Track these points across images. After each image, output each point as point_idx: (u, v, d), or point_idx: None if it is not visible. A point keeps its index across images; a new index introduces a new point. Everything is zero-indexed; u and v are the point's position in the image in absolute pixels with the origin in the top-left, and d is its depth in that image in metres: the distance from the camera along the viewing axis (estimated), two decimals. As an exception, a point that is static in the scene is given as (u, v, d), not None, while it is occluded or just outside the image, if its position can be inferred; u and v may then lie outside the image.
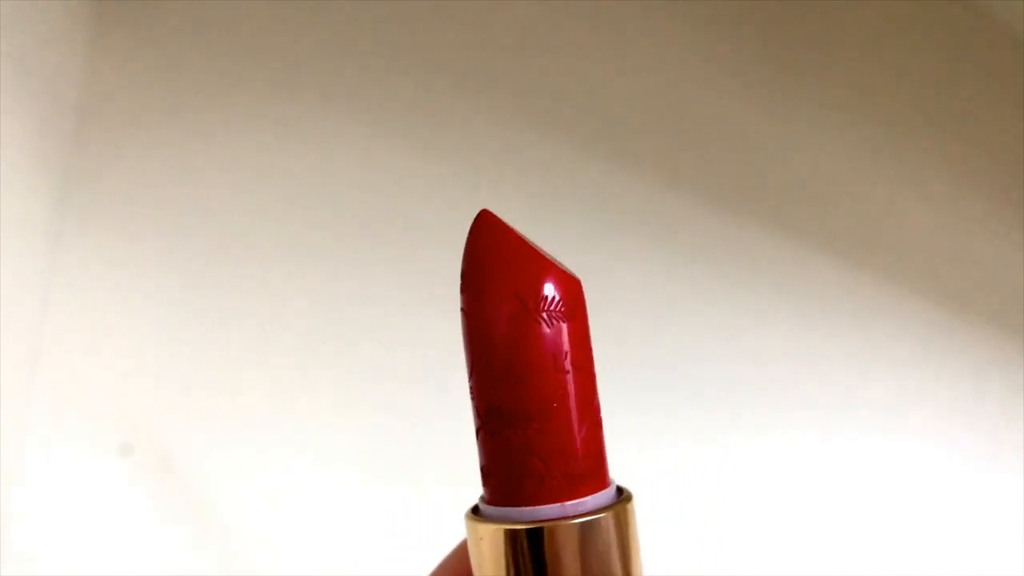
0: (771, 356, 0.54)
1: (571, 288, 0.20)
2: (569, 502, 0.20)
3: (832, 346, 0.54)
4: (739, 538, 0.51)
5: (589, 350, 0.20)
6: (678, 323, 0.54)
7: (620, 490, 0.21)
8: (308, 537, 0.48)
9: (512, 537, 0.19)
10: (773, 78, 0.58)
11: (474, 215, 0.21)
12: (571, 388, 0.20)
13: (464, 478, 0.48)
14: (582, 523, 0.19)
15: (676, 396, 0.52)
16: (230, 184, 0.53)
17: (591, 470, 0.20)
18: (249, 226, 0.52)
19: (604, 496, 0.20)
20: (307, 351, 0.51)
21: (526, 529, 0.19)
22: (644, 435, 0.51)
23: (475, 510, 0.21)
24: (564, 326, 0.20)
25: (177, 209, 0.52)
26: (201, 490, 0.48)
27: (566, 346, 0.20)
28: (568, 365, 0.20)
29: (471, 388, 0.20)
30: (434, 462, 0.49)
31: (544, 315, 0.19)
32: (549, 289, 0.20)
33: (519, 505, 0.20)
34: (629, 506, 0.20)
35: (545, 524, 0.19)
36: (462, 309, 0.20)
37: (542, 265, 0.20)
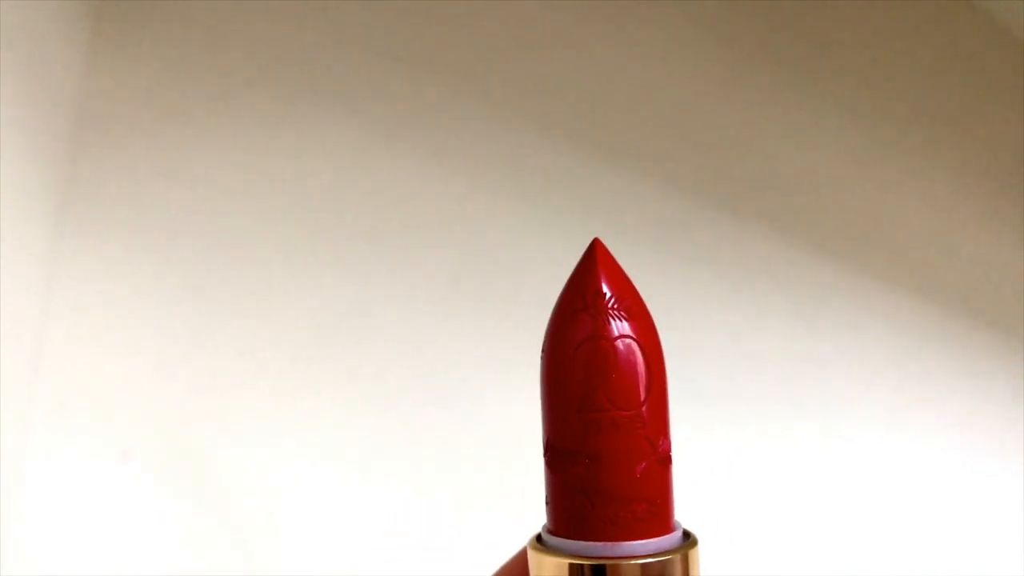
0: (770, 356, 0.53)
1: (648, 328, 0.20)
2: (636, 542, 0.19)
3: (832, 346, 0.54)
4: (738, 537, 0.50)
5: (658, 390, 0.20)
6: (677, 323, 0.53)
7: (686, 534, 0.21)
8: (310, 536, 0.48)
9: (577, 572, 0.19)
10: (772, 78, 0.58)
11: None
12: (633, 427, 0.19)
13: (464, 479, 0.48)
14: (645, 564, 0.19)
15: (675, 396, 0.51)
16: (230, 186, 0.53)
17: (655, 511, 0.20)
18: (249, 227, 0.52)
19: (670, 539, 0.20)
20: (308, 352, 0.51)
21: (591, 565, 0.19)
22: None
23: (539, 538, 0.21)
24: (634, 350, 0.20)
25: (177, 210, 0.52)
26: (201, 490, 0.48)
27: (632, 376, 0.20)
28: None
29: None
30: (435, 462, 0.49)
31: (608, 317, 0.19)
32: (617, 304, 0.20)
33: (584, 539, 0.20)
34: (694, 552, 0.20)
35: (608, 562, 0.19)
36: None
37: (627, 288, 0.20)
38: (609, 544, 0.19)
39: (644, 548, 0.19)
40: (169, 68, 0.54)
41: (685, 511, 0.50)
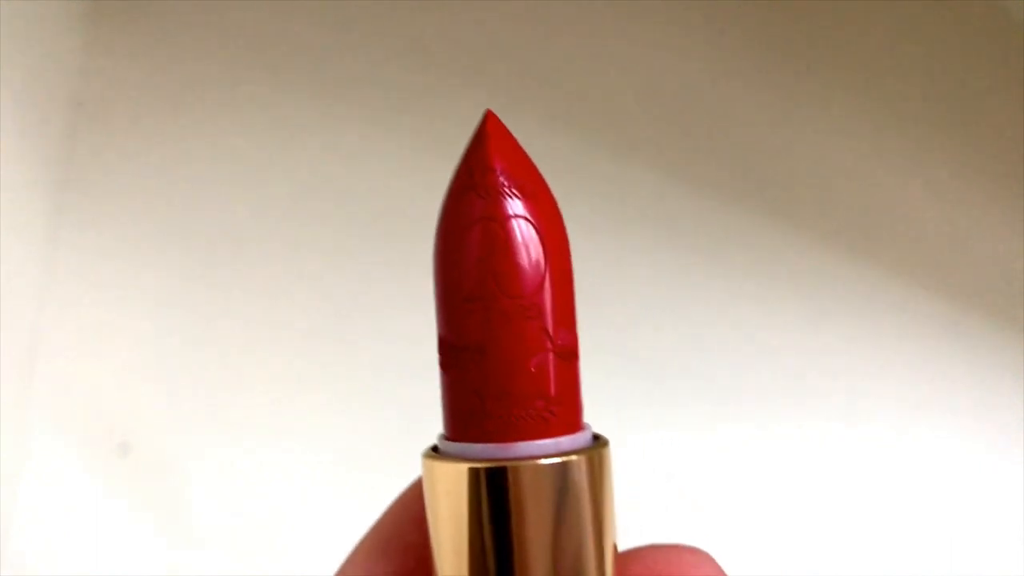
0: (777, 349, 0.53)
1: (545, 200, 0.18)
2: (533, 442, 0.18)
3: (838, 339, 0.53)
4: (746, 531, 0.49)
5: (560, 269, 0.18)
6: (683, 316, 0.53)
7: (596, 437, 0.19)
8: (310, 536, 0.47)
9: (473, 477, 0.17)
10: (777, 69, 0.57)
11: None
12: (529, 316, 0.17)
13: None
14: (548, 465, 0.17)
15: (682, 389, 0.51)
16: (229, 180, 0.52)
17: (556, 410, 0.18)
18: (249, 223, 0.52)
19: (574, 439, 0.18)
20: (308, 349, 0.50)
21: (486, 469, 0.17)
22: (649, 427, 0.50)
23: (435, 449, 0.19)
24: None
25: (176, 205, 0.52)
26: (202, 489, 0.47)
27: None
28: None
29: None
30: None
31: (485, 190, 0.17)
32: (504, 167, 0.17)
33: (481, 442, 0.18)
34: (605, 451, 0.18)
35: (510, 464, 0.17)
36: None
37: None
38: (503, 445, 0.17)
39: (542, 448, 0.17)
40: (167, 62, 0.53)
41: (692, 503, 0.49)
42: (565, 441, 0.18)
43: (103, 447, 0.47)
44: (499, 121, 0.18)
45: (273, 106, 0.53)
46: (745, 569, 0.47)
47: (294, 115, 0.53)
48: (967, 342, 0.53)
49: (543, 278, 0.17)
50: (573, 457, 0.17)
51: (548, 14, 0.56)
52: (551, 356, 0.17)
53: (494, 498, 0.17)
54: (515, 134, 0.18)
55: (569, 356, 0.18)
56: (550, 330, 0.17)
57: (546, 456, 0.17)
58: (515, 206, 0.17)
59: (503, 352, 0.17)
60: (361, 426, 0.49)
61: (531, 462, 0.17)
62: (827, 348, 0.53)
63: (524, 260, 0.17)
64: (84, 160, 0.51)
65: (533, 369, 0.17)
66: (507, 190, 0.17)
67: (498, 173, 0.17)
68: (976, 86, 0.57)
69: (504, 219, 0.17)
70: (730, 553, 0.49)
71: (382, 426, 0.49)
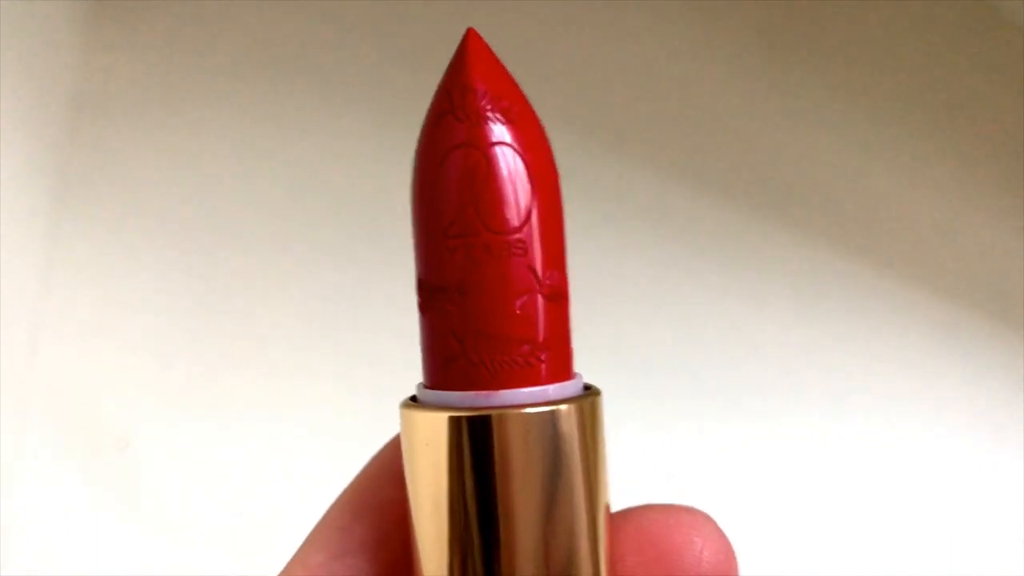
0: (772, 346, 0.53)
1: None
2: (518, 390, 0.16)
3: (833, 336, 0.53)
4: (739, 528, 0.49)
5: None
6: (679, 312, 0.53)
7: (587, 387, 0.18)
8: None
9: (454, 426, 0.16)
10: (774, 66, 0.57)
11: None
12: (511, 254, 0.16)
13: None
14: (540, 413, 0.16)
15: (676, 384, 0.51)
16: (229, 177, 0.52)
17: (544, 356, 0.16)
18: (248, 219, 0.52)
19: (563, 388, 0.17)
20: (308, 345, 0.50)
21: (468, 417, 0.16)
22: (643, 423, 0.50)
23: (413, 400, 0.17)
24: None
25: (175, 201, 0.51)
26: (202, 486, 0.47)
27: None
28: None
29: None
30: None
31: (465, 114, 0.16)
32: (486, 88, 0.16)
33: (462, 390, 0.16)
34: (597, 400, 0.17)
35: (494, 412, 0.16)
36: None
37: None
38: (485, 393, 0.16)
39: (530, 396, 0.16)
40: (167, 59, 0.53)
41: (686, 499, 0.50)
42: (553, 389, 0.16)
43: (102, 444, 0.47)
44: (482, 41, 0.17)
45: (272, 103, 0.53)
46: (745, 567, 0.47)
47: (293, 111, 0.53)
48: (963, 339, 0.53)
49: (530, 212, 0.16)
50: (563, 407, 0.16)
51: (548, 14, 0.56)
52: (539, 297, 0.16)
53: (476, 449, 0.16)
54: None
55: (558, 298, 0.16)
56: (538, 269, 0.16)
57: (532, 405, 0.16)
58: (499, 132, 0.16)
59: (485, 292, 0.16)
60: (362, 424, 0.48)
61: (516, 411, 0.16)
62: (824, 345, 0.53)
63: (509, 191, 0.16)
64: (84, 156, 0.51)
65: (518, 311, 0.16)
66: (490, 114, 0.16)
67: (480, 95, 0.16)
68: (975, 86, 0.57)
69: (486, 146, 0.16)
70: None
71: (383, 425, 0.48)
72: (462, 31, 0.17)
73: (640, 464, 0.48)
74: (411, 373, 0.48)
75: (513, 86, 0.17)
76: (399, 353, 0.48)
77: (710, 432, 0.51)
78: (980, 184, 0.56)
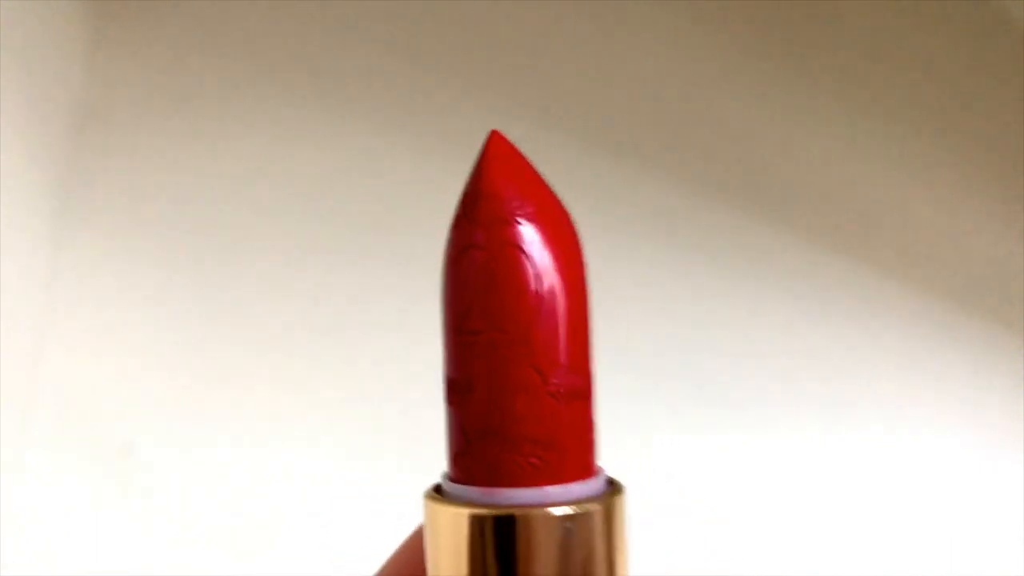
0: (772, 350, 0.52)
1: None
2: (551, 488, 0.16)
3: (834, 340, 0.53)
4: (738, 534, 0.49)
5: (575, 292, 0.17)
6: (678, 317, 0.52)
7: (611, 481, 0.17)
8: (310, 536, 0.47)
9: (477, 524, 0.16)
10: (774, 70, 0.56)
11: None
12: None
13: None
14: (564, 515, 0.16)
15: (675, 389, 0.51)
16: (233, 181, 0.52)
17: (571, 454, 0.16)
18: (252, 223, 0.52)
19: (591, 485, 0.17)
20: (309, 350, 0.50)
21: (494, 516, 0.16)
22: (641, 428, 0.49)
23: (437, 489, 0.18)
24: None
25: (178, 207, 0.52)
26: (202, 489, 0.47)
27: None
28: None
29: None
30: (439, 461, 0.46)
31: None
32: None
33: (490, 486, 0.17)
34: (620, 499, 0.17)
35: (518, 511, 0.16)
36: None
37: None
38: (487, 491, 0.16)
39: (543, 496, 0.16)
40: (171, 64, 0.54)
41: (684, 505, 0.48)
42: (555, 491, 0.16)
43: (104, 447, 0.47)
44: (504, 141, 0.17)
45: (275, 108, 0.53)
46: (745, 568, 0.47)
47: (296, 117, 0.53)
48: (962, 342, 0.53)
49: (535, 311, 0.16)
50: (568, 510, 0.16)
51: (549, 16, 0.56)
52: (545, 397, 0.16)
53: (502, 546, 0.16)
54: (513, 137, 0.17)
55: (571, 398, 0.16)
56: (541, 368, 0.16)
57: (545, 505, 0.16)
58: (508, 234, 0.16)
59: (487, 389, 0.16)
60: (362, 427, 0.49)
61: (524, 510, 0.16)
62: (824, 349, 0.53)
63: (511, 291, 0.16)
64: (87, 164, 0.52)
65: (520, 410, 0.16)
66: (501, 217, 0.16)
67: (490, 200, 0.16)
68: (975, 86, 0.56)
69: (491, 247, 0.16)
70: (730, 552, 0.48)
71: (383, 426, 0.49)
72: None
73: (640, 465, 0.47)
74: (410, 383, 0.49)
75: (536, 187, 0.17)
76: (400, 360, 0.49)
77: (710, 432, 0.50)
78: (980, 184, 0.55)
